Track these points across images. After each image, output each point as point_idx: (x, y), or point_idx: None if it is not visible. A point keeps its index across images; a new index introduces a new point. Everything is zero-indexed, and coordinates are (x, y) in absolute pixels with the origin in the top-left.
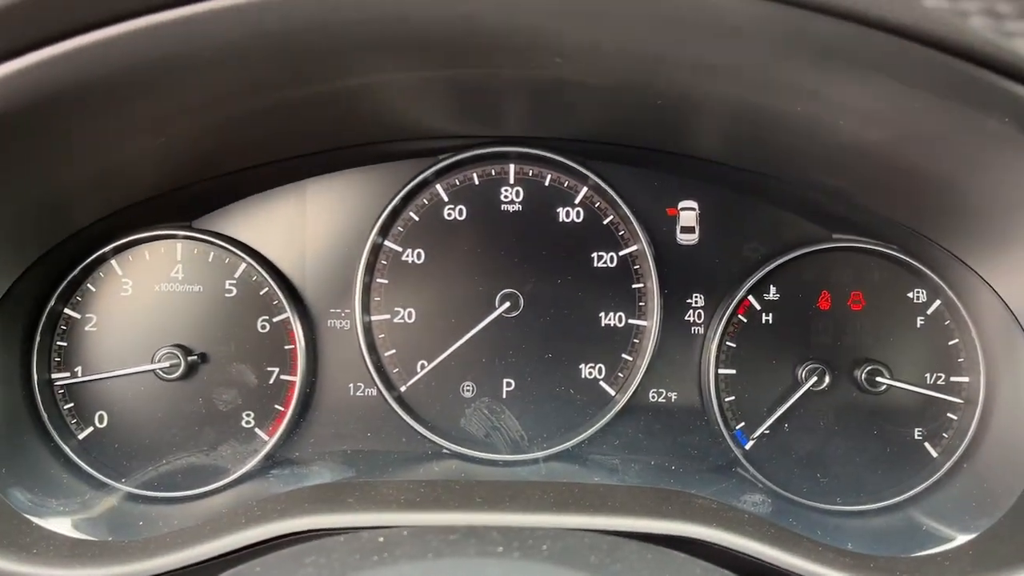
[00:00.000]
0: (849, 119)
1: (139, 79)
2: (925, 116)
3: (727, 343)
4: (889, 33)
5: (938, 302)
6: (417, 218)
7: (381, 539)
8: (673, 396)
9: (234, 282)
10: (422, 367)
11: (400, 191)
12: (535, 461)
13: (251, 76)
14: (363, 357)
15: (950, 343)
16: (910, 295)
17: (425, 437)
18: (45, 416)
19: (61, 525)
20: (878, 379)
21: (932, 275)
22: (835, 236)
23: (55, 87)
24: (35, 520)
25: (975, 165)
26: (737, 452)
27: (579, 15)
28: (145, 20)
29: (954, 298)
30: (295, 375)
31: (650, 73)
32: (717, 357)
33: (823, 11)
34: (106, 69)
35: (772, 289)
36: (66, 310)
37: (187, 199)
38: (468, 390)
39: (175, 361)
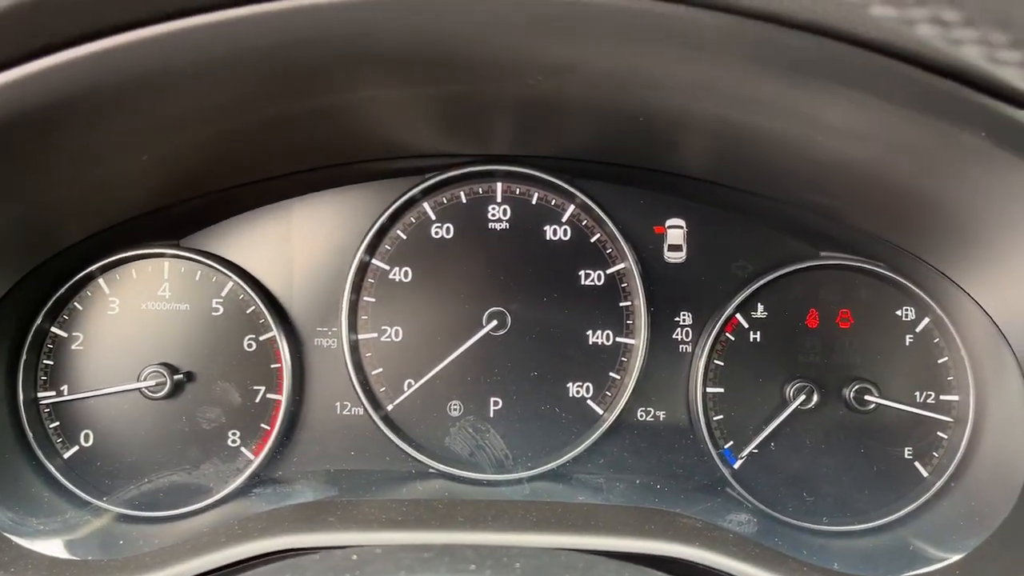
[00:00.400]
0: (828, 135)
1: (124, 94)
2: (900, 131)
3: (715, 361)
4: (846, 43)
5: (927, 320)
6: (404, 236)
7: (355, 556)
8: (661, 415)
9: (221, 301)
10: (409, 386)
11: (387, 209)
12: (519, 481)
13: (236, 92)
14: (349, 376)
15: (939, 361)
16: (898, 313)
17: (411, 456)
18: (30, 435)
19: (41, 544)
20: (867, 397)
21: (920, 292)
22: (823, 254)
23: (39, 102)
24: (14, 539)
25: (955, 180)
26: (725, 471)
27: (551, 32)
28: (129, 36)
29: (943, 316)
30: (281, 394)
31: (628, 90)
32: (705, 375)
33: (782, 23)
34: (90, 84)
35: (760, 307)
36: (53, 328)
37: (175, 218)
38: (455, 409)
39: (161, 380)
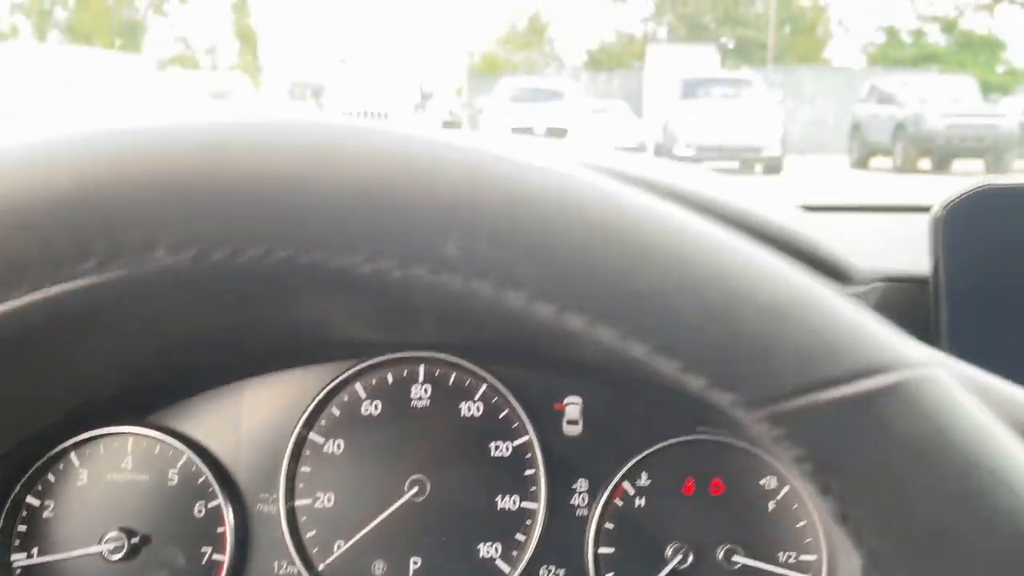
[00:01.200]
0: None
1: (88, 319)
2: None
3: (606, 524)
4: None
5: (787, 488)
6: (338, 413)
7: None
8: (561, 572)
9: (176, 471)
10: (339, 547)
11: (323, 389)
12: None
13: (178, 313)
14: (285, 539)
15: (798, 525)
16: (762, 482)
17: None
18: None
19: None
20: (734, 558)
21: (777, 465)
22: (698, 429)
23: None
24: None
25: None
26: None
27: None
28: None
29: (797, 485)
30: (225, 555)
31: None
32: (597, 537)
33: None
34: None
35: (644, 475)
36: (28, 498)
37: (138, 399)
38: (379, 568)
39: (119, 544)
